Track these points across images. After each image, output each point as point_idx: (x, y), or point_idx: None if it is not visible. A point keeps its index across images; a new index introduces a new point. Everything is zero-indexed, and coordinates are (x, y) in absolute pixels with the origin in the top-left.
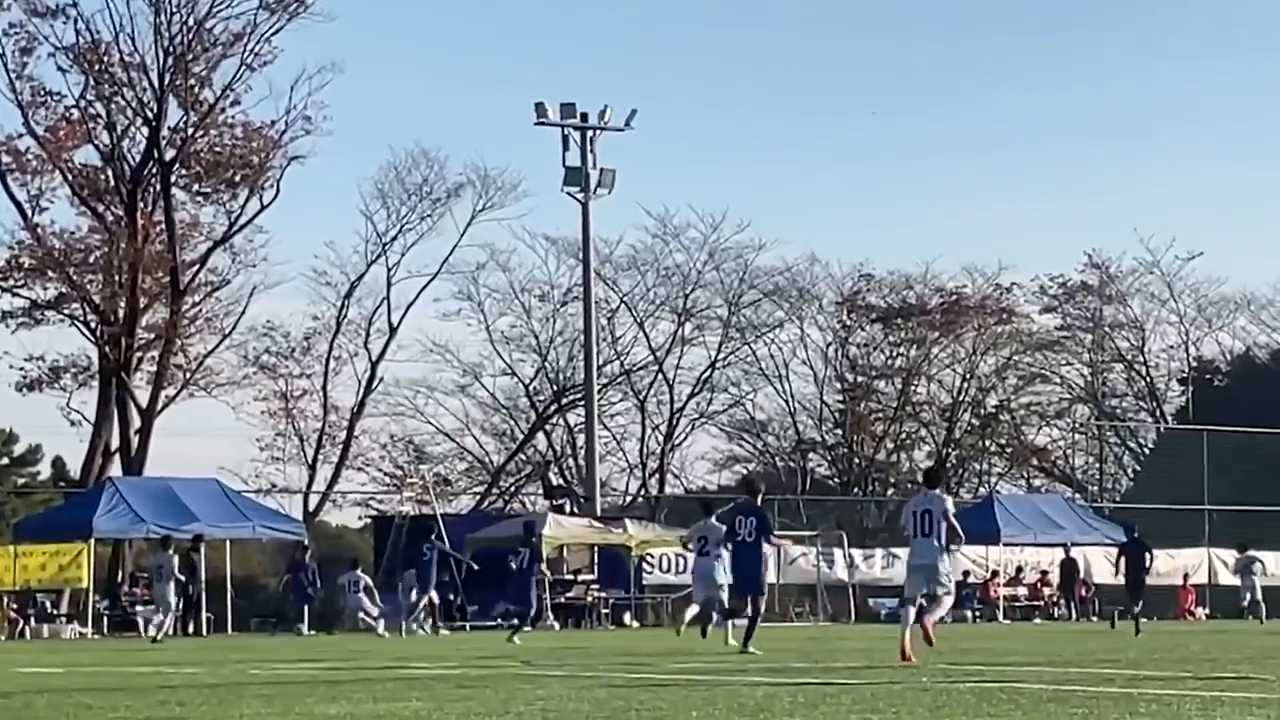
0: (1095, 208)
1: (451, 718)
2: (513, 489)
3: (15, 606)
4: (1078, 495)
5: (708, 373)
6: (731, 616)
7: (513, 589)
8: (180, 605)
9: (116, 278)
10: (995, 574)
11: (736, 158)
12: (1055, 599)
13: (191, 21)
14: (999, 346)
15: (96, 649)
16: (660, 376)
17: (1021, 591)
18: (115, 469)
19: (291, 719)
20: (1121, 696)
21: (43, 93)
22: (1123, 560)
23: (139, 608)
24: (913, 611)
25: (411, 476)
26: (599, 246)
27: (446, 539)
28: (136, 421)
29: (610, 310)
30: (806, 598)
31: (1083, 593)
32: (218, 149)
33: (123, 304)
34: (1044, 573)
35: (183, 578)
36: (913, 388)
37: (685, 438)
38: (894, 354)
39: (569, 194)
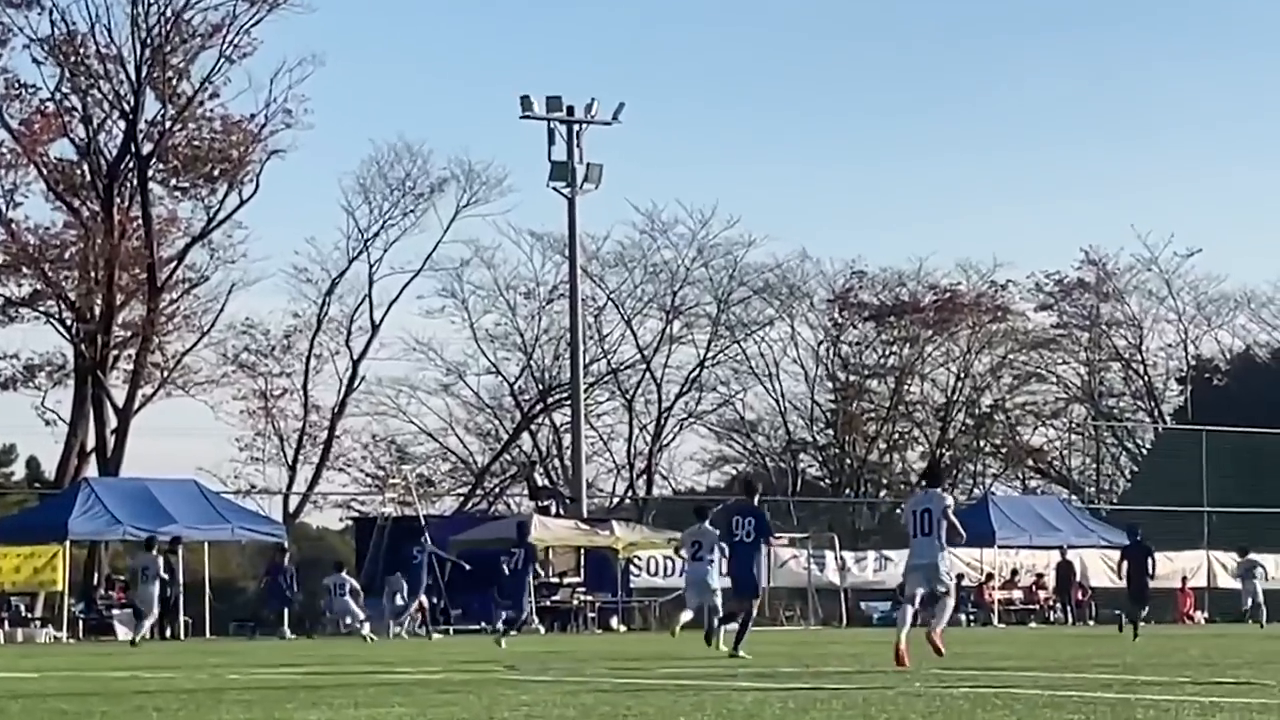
0: (1092, 204)
1: None
2: (497, 490)
3: None
4: (1074, 497)
5: (696, 372)
6: (730, 620)
7: (506, 591)
8: (159, 608)
9: (92, 274)
10: (990, 577)
11: (726, 152)
12: (1051, 602)
13: (169, 13)
14: (994, 345)
15: (72, 653)
16: (648, 375)
17: (1017, 595)
18: (91, 469)
19: None
20: (1118, 702)
21: (17, 85)
22: (1125, 564)
23: (115, 611)
24: (910, 611)
25: (394, 477)
26: (585, 243)
27: (430, 541)
28: (113, 421)
29: (597, 308)
30: (797, 601)
31: (1079, 596)
32: (196, 143)
33: (99, 301)
34: (1039, 575)
35: (165, 578)
36: (906, 387)
37: (673, 438)
38: (887, 352)
39: (555, 189)
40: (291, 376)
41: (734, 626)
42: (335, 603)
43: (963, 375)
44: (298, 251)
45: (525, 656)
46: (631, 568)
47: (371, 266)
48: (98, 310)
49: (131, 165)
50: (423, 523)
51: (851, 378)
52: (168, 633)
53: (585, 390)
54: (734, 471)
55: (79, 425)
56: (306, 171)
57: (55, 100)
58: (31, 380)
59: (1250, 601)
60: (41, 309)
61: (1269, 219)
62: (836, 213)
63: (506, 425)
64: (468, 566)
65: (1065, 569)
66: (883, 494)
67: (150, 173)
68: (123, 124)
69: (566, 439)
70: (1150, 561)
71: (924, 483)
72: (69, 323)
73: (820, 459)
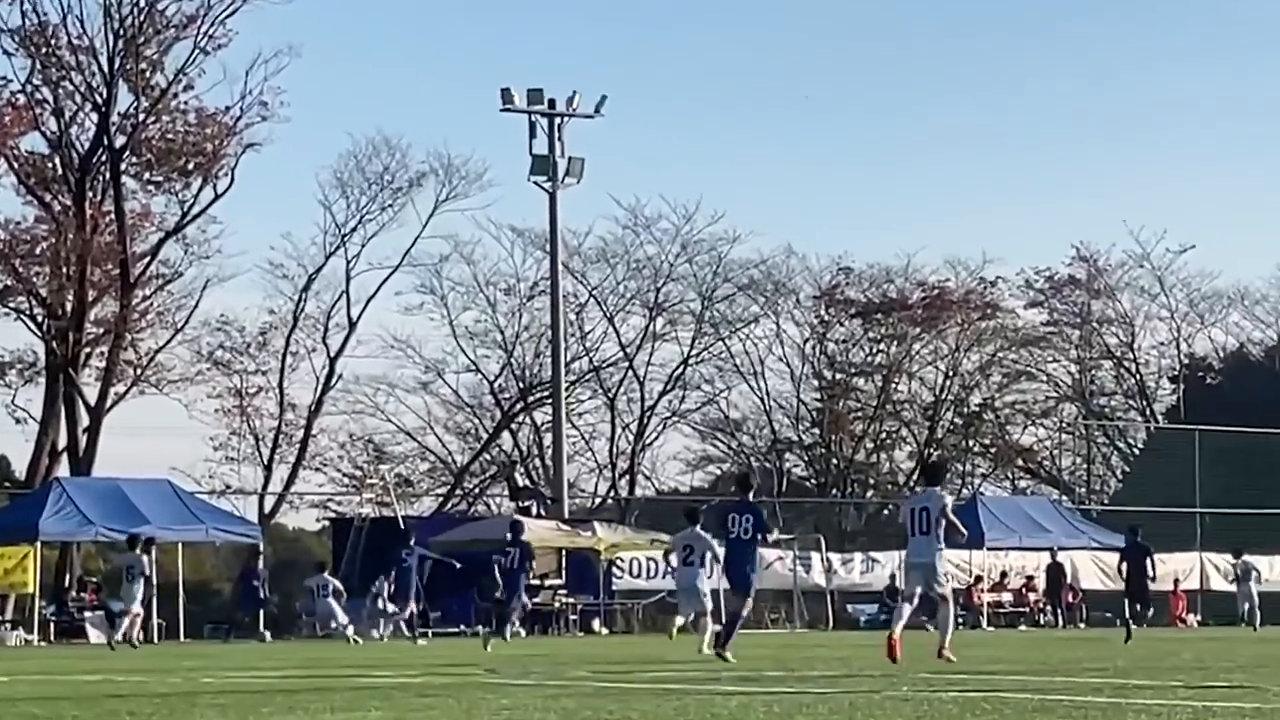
0: (1083, 199)
1: None
2: (477, 490)
3: None
4: (1064, 497)
5: (680, 370)
6: (734, 629)
7: (503, 589)
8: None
9: (64, 270)
10: (979, 579)
11: (710, 146)
12: (1041, 605)
13: (143, 3)
14: (983, 343)
15: (43, 656)
16: (630, 373)
17: (1006, 597)
18: (62, 469)
19: None
20: (1110, 706)
21: None
22: (1124, 565)
23: (87, 614)
24: (908, 609)
25: (371, 477)
26: (567, 238)
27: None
28: (85, 419)
29: (579, 304)
30: (782, 603)
31: (1070, 598)
32: (170, 136)
33: (70, 297)
34: (1029, 578)
35: (149, 576)
36: (893, 385)
37: (656, 437)
38: (874, 350)
39: (536, 183)
40: (267, 374)
41: (718, 628)
42: (318, 604)
43: (951, 373)
44: (273, 247)
45: (506, 659)
46: (614, 569)
47: (349, 262)
48: (69, 306)
49: (104, 159)
50: (403, 524)
51: (838, 376)
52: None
53: (567, 388)
54: (718, 471)
55: (50, 424)
56: (282, 165)
57: (26, 92)
58: (1, 378)
59: (1247, 605)
60: (12, 305)
61: (1262, 215)
62: (823, 208)
63: (486, 424)
64: (458, 565)
65: (1055, 571)
66: (870, 494)
67: (123, 166)
68: (95, 116)
69: (547, 438)
70: (1150, 562)
71: (923, 481)
72: (40, 319)
73: (806, 459)
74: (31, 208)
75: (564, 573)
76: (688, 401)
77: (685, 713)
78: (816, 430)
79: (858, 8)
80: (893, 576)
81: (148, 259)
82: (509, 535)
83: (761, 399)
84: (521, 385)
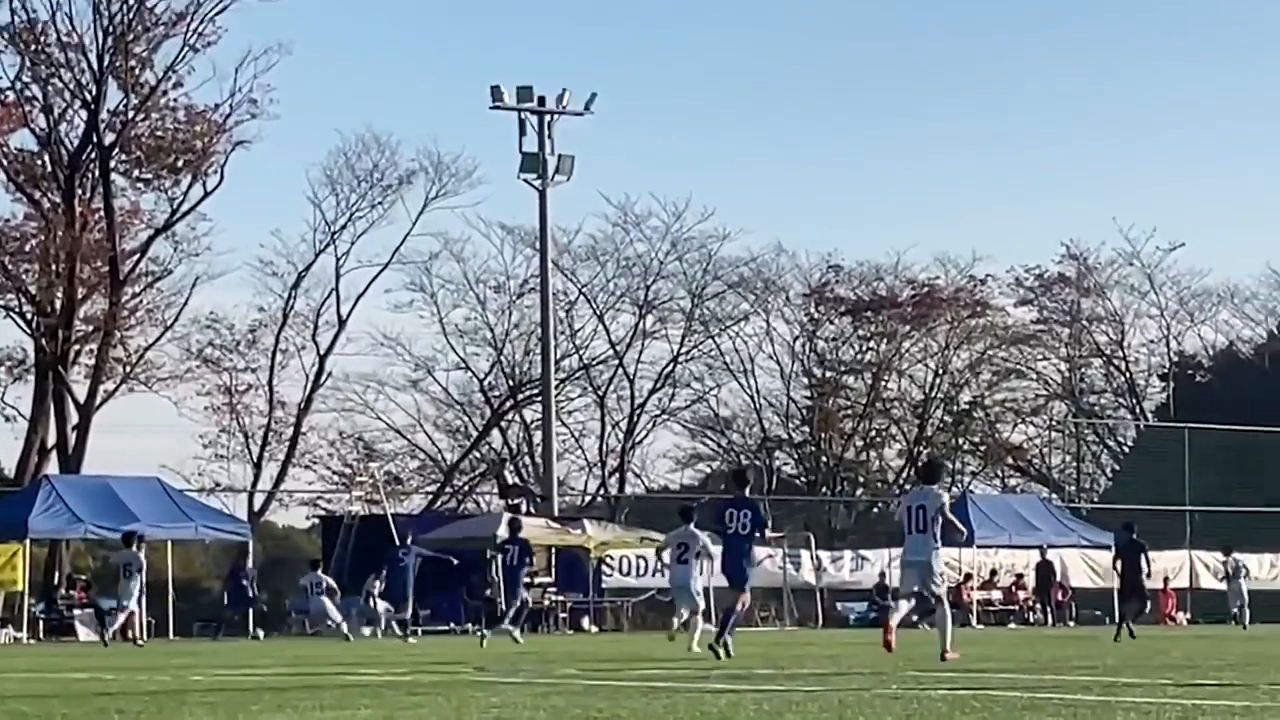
0: (1073, 197)
1: None
2: (466, 488)
3: None
4: (1054, 495)
5: (670, 367)
6: (729, 622)
7: (503, 586)
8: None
9: (53, 267)
10: (969, 577)
11: (700, 144)
12: (1030, 603)
13: (132, 0)
14: (973, 340)
15: (32, 654)
16: (620, 371)
17: (996, 595)
18: (52, 467)
19: None
20: (1099, 705)
21: None
22: (1119, 561)
23: (77, 611)
24: (905, 606)
25: (361, 475)
26: (557, 236)
27: (398, 540)
28: (74, 417)
29: (568, 302)
30: (772, 601)
31: (1059, 596)
32: (159, 133)
33: (60, 294)
34: (1019, 576)
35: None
36: (883, 383)
37: (646, 435)
38: (863, 348)
39: (526, 181)
40: (257, 372)
41: (708, 627)
42: (311, 602)
43: (941, 371)
44: (263, 244)
45: (495, 657)
46: (604, 567)
47: (338, 260)
48: (58, 304)
49: (93, 156)
50: (394, 526)
51: (828, 374)
52: (128, 633)
53: (556, 386)
54: (708, 469)
55: (39, 421)
56: (272, 163)
57: (15, 89)
58: None
59: (1238, 603)
60: (1, 303)
61: (1252, 213)
62: (812, 206)
63: (476, 422)
64: (455, 561)
65: (1045, 569)
66: (859, 493)
67: (112, 164)
68: (84, 114)
69: (537, 436)
70: (1145, 559)
71: (920, 479)
72: (29, 317)
73: (796, 457)
74: (21, 205)
75: (554, 570)
76: (677, 399)
77: (675, 711)
78: (806, 428)
79: (849, 7)
80: (882, 574)
81: (137, 256)
82: (507, 533)
83: (751, 397)
84: (511, 383)
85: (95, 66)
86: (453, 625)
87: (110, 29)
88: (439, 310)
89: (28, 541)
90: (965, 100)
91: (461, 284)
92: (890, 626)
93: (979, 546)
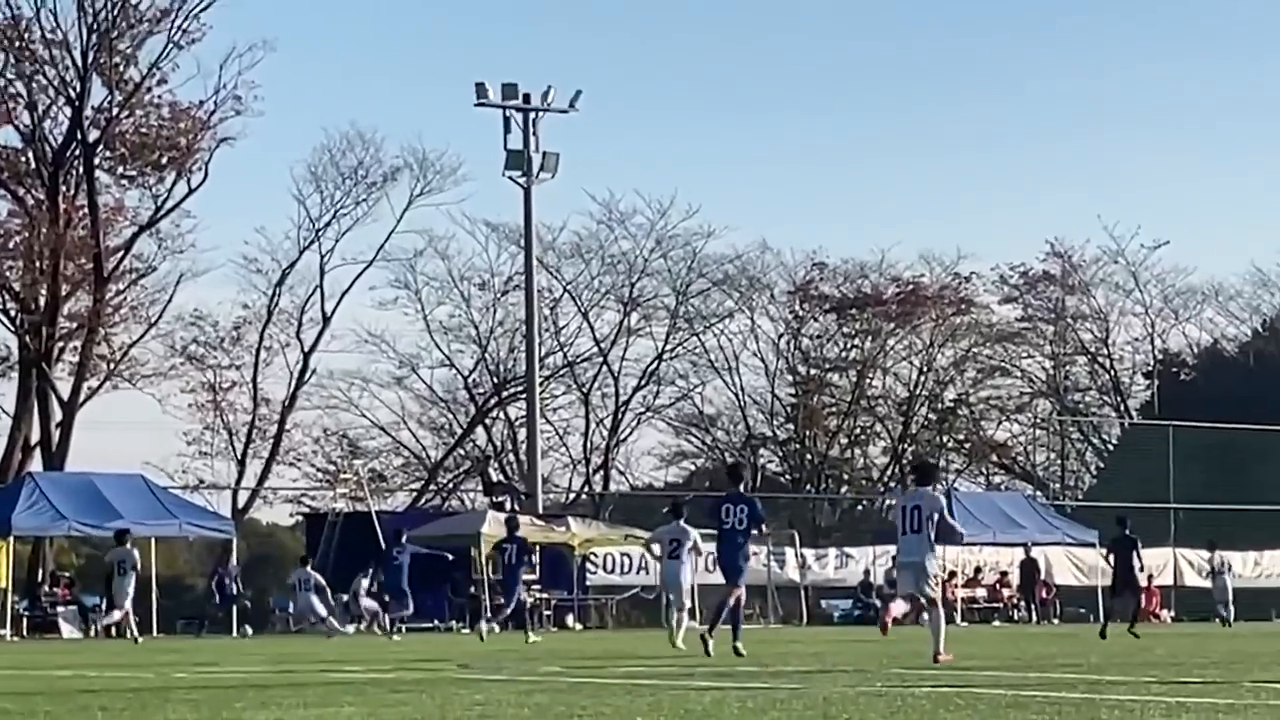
0: (1057, 195)
1: None
2: (451, 485)
3: None
4: (1039, 493)
5: (654, 365)
6: (720, 615)
7: (502, 586)
8: (105, 605)
9: (37, 264)
10: (953, 575)
11: (685, 141)
12: (1015, 600)
13: None
14: (957, 338)
15: (15, 651)
16: (605, 368)
17: (980, 593)
18: (35, 464)
19: None
20: (1083, 702)
21: None
22: (1111, 556)
23: (60, 609)
24: (903, 605)
25: (345, 472)
26: (541, 233)
27: (382, 537)
28: (58, 414)
29: (553, 299)
30: (757, 599)
31: (1044, 594)
32: (143, 130)
33: (44, 291)
34: (1003, 573)
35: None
36: (867, 381)
37: (631, 432)
38: (848, 346)
39: (510, 178)
40: (241, 369)
41: (692, 624)
42: (299, 598)
43: (925, 369)
44: (247, 241)
45: (479, 655)
46: (588, 565)
47: (323, 257)
48: (42, 301)
49: (77, 153)
50: (376, 520)
51: (812, 371)
52: (113, 631)
53: (541, 384)
54: (693, 467)
55: (23, 418)
56: (256, 160)
57: None
58: None
59: (1223, 599)
60: None
61: (1237, 211)
62: (798, 203)
63: (460, 419)
64: (450, 557)
65: (1030, 567)
66: (844, 490)
67: (97, 160)
68: (69, 110)
69: (521, 433)
70: (1137, 554)
71: (914, 480)
72: (13, 314)
73: (780, 454)
74: (4, 202)
75: (538, 568)
76: (662, 397)
77: (659, 708)
78: (791, 426)
79: (838, 6)
80: (867, 572)
81: (121, 253)
82: (505, 532)
83: (736, 394)
84: (496, 380)
85: (79, 63)
86: (437, 623)
87: (94, 26)
88: (423, 307)
89: (11, 538)
90: (950, 99)
91: (446, 281)
92: (890, 610)
93: (964, 544)
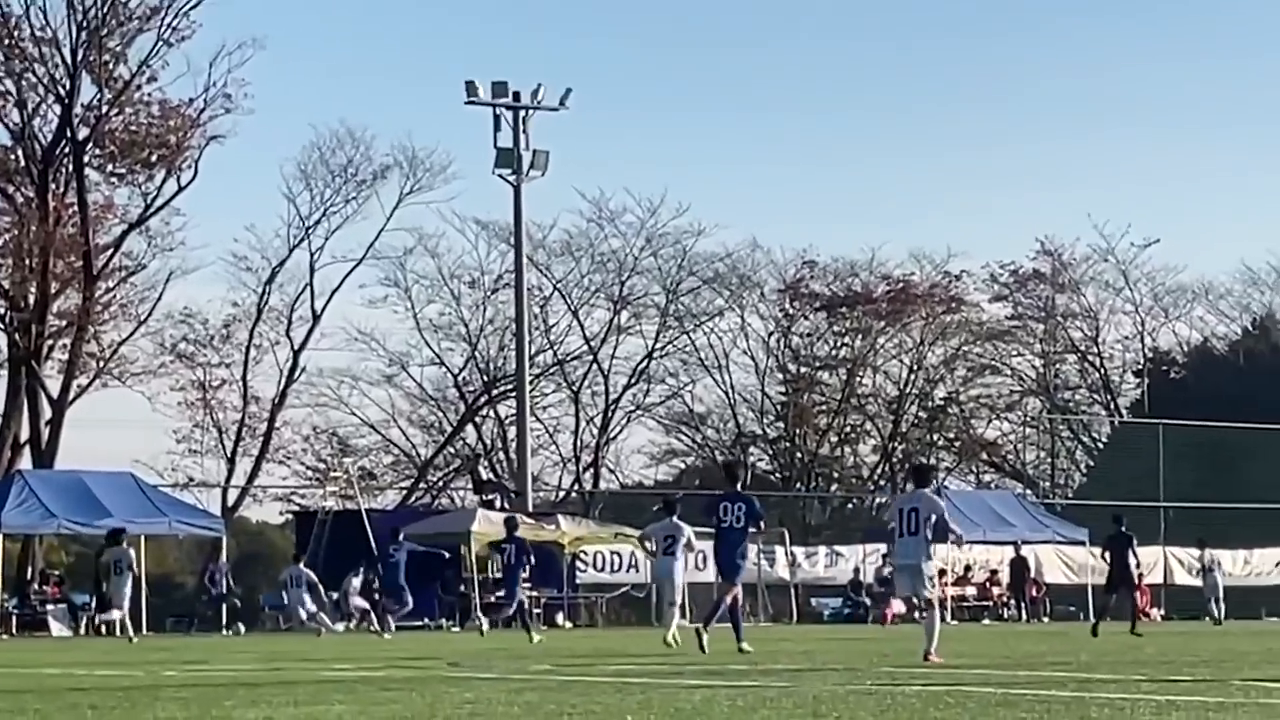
0: (1048, 193)
1: None
2: (441, 483)
3: None
4: (1029, 491)
5: (644, 363)
6: (716, 612)
7: (502, 585)
8: (95, 604)
9: (27, 262)
10: (942, 573)
11: (675, 140)
12: (1005, 599)
13: None
14: (947, 336)
15: (4, 649)
16: (595, 367)
17: (970, 591)
18: (25, 462)
19: None
20: (1073, 701)
21: None
22: (1108, 553)
23: (49, 607)
24: (900, 605)
25: (335, 470)
26: (531, 231)
27: (372, 535)
28: (47, 412)
29: (543, 297)
30: (747, 597)
31: (1034, 592)
32: (133, 128)
33: (33, 289)
34: (993, 572)
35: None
36: (858, 379)
37: (621, 430)
38: (838, 344)
39: (500, 176)
40: (230, 367)
41: (682, 622)
42: (291, 594)
43: (916, 367)
44: (237, 239)
45: (469, 653)
46: (578, 563)
47: (313, 255)
48: (32, 299)
49: (67, 150)
50: (366, 518)
51: (802, 369)
52: (102, 629)
53: (531, 382)
54: (682, 465)
55: (12, 416)
56: (246, 157)
57: None
58: None
59: (1212, 598)
60: None
61: (1227, 210)
62: (787, 201)
63: (450, 417)
64: (447, 555)
65: (1019, 565)
66: (834, 488)
67: (86, 158)
68: (58, 108)
69: (511, 431)
70: (1133, 551)
71: (911, 482)
72: (2, 311)
73: (770, 452)
74: None
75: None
76: (652, 395)
77: (649, 707)
78: (781, 424)
79: (826, 5)
80: (857, 570)
81: (111, 251)
82: (504, 532)
83: (726, 392)
84: (485, 378)
85: (69, 61)
86: (427, 621)
87: (84, 23)
88: (413, 305)
89: (0, 536)
90: (940, 98)
91: (436, 279)
92: (890, 605)
93: (953, 542)
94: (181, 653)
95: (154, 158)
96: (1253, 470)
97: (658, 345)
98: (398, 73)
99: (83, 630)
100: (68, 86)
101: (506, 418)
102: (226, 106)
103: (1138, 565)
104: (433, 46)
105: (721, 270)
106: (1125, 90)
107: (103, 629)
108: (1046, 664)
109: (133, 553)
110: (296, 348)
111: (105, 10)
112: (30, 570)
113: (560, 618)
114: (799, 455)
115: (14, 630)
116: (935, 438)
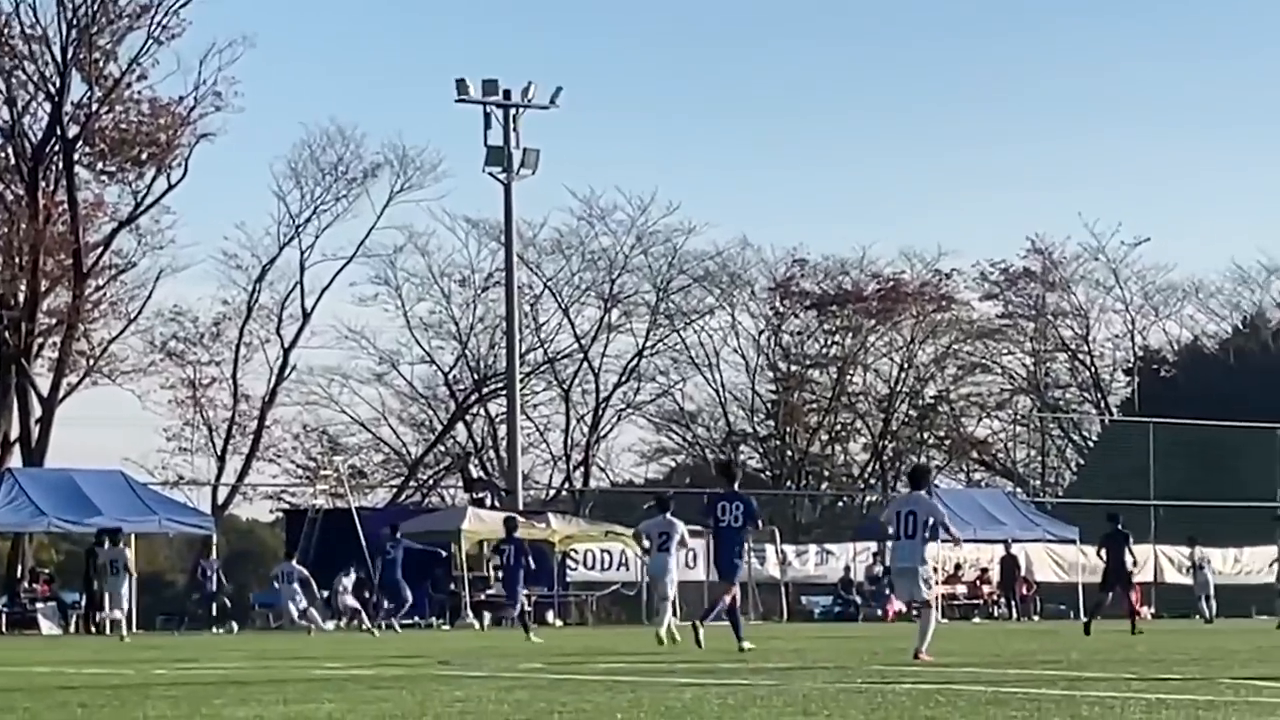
0: (1038, 192)
1: None
2: (431, 482)
3: None
4: (1019, 490)
5: (635, 361)
6: (715, 610)
7: (503, 586)
8: (85, 602)
9: (16, 260)
10: (934, 570)
11: (666, 138)
12: (995, 597)
13: None
14: (938, 335)
15: None
16: (585, 365)
17: (960, 589)
18: (14, 460)
19: None
20: (1063, 699)
21: None
22: (1103, 551)
23: (39, 605)
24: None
25: (325, 468)
26: (522, 229)
27: (363, 533)
28: (37, 410)
29: (533, 296)
30: None
31: (1024, 591)
32: (123, 126)
33: (23, 287)
34: (984, 570)
35: (133, 572)
36: (848, 377)
37: (611, 429)
38: (829, 342)
39: (491, 174)
40: (221, 365)
41: (672, 620)
42: (284, 590)
43: (906, 366)
44: (227, 237)
45: (459, 651)
46: (568, 561)
47: (303, 253)
48: (22, 297)
49: (57, 148)
50: (356, 517)
51: (793, 368)
52: (92, 627)
53: (521, 380)
54: (673, 463)
55: (2, 414)
56: (237, 155)
57: None
58: None
59: (1204, 595)
60: None
61: (1217, 208)
62: (778, 200)
63: (441, 416)
64: (444, 553)
65: (1010, 563)
66: (824, 486)
67: (76, 156)
68: (48, 106)
69: (502, 430)
70: (1129, 549)
71: (908, 485)
72: None
73: (761, 450)
74: None
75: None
76: (642, 393)
77: (639, 705)
78: (771, 422)
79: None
80: (847, 568)
81: (101, 249)
82: (504, 533)
83: (716, 391)
84: (476, 377)
85: (59, 59)
86: (417, 619)
87: (74, 21)
88: (403, 304)
89: None
90: (931, 96)
91: (426, 277)
92: (892, 602)
93: (943, 540)
94: (172, 651)
95: (144, 156)
96: (1243, 469)
97: (648, 343)
98: (388, 71)
99: (73, 628)
100: (58, 84)
101: (497, 416)
102: (217, 104)
103: (1135, 563)
104: (423, 44)
105: (712, 268)
106: (1116, 89)
107: (93, 627)
108: (1037, 662)
109: (129, 553)
110: (287, 346)
111: (95, 8)
112: (20, 568)
113: (550, 616)
114: (789, 453)
115: (4, 628)
116: (926, 436)
